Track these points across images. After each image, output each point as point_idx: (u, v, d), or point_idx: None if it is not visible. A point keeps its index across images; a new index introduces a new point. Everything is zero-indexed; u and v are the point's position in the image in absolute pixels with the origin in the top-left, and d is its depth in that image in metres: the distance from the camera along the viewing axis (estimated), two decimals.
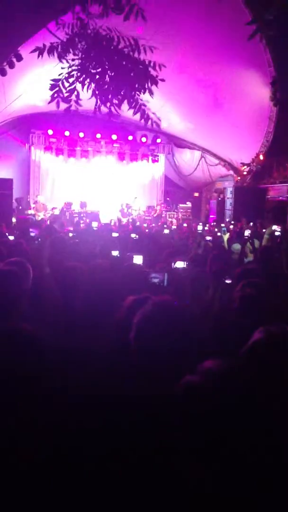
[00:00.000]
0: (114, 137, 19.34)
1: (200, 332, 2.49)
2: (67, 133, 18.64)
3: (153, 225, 16.22)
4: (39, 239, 6.52)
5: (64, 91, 4.93)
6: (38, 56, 4.91)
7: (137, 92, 4.99)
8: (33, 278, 3.19)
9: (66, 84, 4.93)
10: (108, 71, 4.93)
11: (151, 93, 4.95)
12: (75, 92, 4.94)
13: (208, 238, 8.53)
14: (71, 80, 4.92)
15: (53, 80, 4.90)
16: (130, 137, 19.69)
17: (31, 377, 1.58)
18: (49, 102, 5.00)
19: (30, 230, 7.13)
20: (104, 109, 5.18)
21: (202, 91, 14.08)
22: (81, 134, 18.79)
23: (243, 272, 3.72)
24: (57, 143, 18.99)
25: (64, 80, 4.90)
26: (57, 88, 4.87)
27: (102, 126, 18.25)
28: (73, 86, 4.92)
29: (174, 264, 4.03)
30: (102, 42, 4.91)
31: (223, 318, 2.85)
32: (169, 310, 1.77)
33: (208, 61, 12.52)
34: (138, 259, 4.30)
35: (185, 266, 4.09)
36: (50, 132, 18.51)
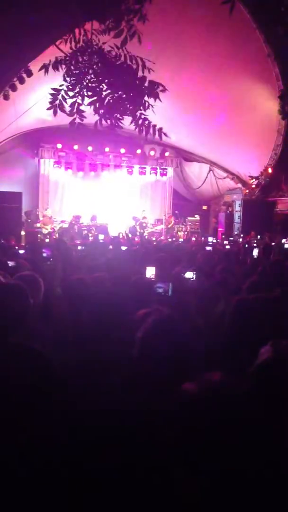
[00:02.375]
0: (122, 150, 19.44)
1: (207, 344, 2.46)
2: (76, 147, 18.77)
3: (162, 237, 16.23)
4: (51, 259, 6.56)
5: (64, 104, 5.04)
6: (45, 73, 5.03)
7: (139, 108, 5.06)
8: (44, 296, 3.17)
9: (67, 98, 5.05)
10: (109, 86, 5.02)
11: (152, 103, 5.02)
12: (76, 105, 5.03)
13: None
14: (71, 93, 5.03)
15: (53, 89, 5.01)
16: (139, 151, 19.78)
17: (38, 394, 1.56)
18: (47, 109, 5.12)
19: (43, 250, 7.23)
20: (104, 123, 5.25)
21: (210, 104, 14.16)
22: (90, 148, 18.90)
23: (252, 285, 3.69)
24: (66, 157, 19.12)
25: (63, 93, 5.01)
26: (59, 97, 4.97)
27: (110, 140, 18.38)
28: (73, 100, 5.02)
29: (184, 274, 3.99)
30: (105, 57, 5.00)
31: (232, 332, 2.81)
32: (168, 325, 1.76)
33: (216, 75, 12.60)
34: (150, 271, 4.20)
35: (193, 277, 4.04)
36: (59, 146, 18.65)
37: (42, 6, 5.48)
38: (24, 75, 9.21)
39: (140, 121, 5.12)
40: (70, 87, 5.02)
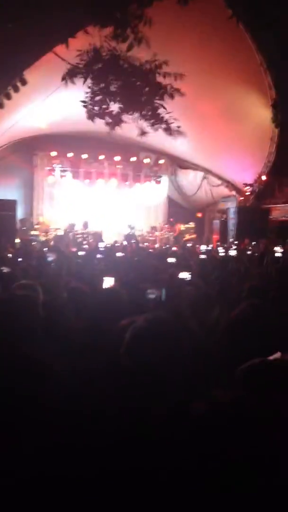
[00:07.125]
0: (117, 158, 19.47)
1: (204, 348, 2.46)
2: (70, 155, 18.78)
3: (156, 245, 16.22)
4: (53, 264, 6.61)
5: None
6: (66, 84, 5.21)
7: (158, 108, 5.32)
8: (48, 302, 3.15)
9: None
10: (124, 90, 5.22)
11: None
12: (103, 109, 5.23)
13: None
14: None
15: (82, 101, 5.19)
16: (133, 158, 19.82)
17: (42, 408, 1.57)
18: (88, 118, 5.31)
19: (47, 254, 7.33)
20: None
21: (204, 113, 14.23)
22: (84, 156, 18.92)
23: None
24: (60, 164, 19.13)
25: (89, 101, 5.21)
26: (90, 107, 5.19)
27: (105, 148, 18.38)
28: (104, 106, 5.23)
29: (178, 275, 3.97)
30: (117, 63, 5.16)
31: (227, 336, 2.81)
32: (160, 325, 1.75)
33: (209, 83, 12.67)
34: (109, 282, 4.02)
35: (188, 277, 4.03)
36: (53, 153, 18.65)
37: (41, 13, 5.54)
38: (19, 84, 9.22)
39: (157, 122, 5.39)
40: (97, 92, 5.22)
